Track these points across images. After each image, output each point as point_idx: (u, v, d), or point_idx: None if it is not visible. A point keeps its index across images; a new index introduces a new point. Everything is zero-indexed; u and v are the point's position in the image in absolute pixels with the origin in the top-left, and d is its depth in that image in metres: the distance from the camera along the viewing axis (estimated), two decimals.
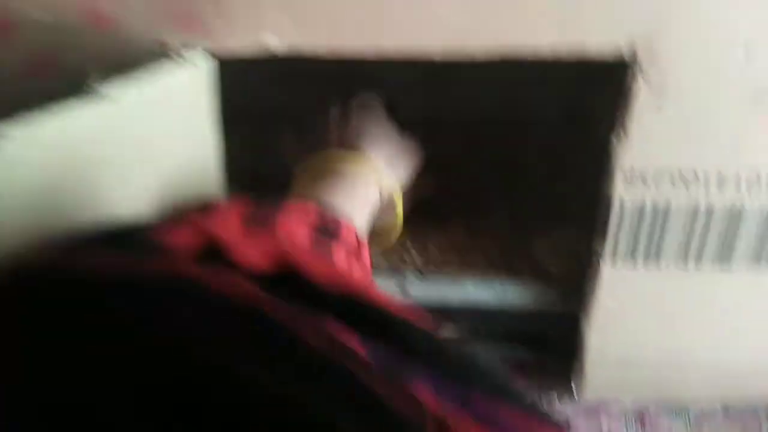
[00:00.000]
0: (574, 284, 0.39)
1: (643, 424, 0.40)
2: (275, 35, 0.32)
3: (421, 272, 0.41)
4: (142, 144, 0.29)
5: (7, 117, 0.22)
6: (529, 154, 0.60)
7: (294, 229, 0.30)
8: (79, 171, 0.25)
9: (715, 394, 0.40)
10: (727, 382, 0.39)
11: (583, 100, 0.61)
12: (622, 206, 0.34)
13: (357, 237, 0.33)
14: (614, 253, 0.35)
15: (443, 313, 0.41)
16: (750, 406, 0.41)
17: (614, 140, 0.33)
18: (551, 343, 0.41)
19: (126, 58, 0.33)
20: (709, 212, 0.34)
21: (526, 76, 0.58)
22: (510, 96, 0.63)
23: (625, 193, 0.34)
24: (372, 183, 0.38)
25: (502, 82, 0.61)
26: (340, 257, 0.30)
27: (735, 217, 0.34)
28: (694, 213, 0.34)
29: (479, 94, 0.62)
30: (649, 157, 0.33)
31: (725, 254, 0.35)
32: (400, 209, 0.40)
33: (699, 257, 0.35)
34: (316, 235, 0.30)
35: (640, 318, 0.37)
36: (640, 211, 0.34)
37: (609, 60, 0.31)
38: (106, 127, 0.26)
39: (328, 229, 0.31)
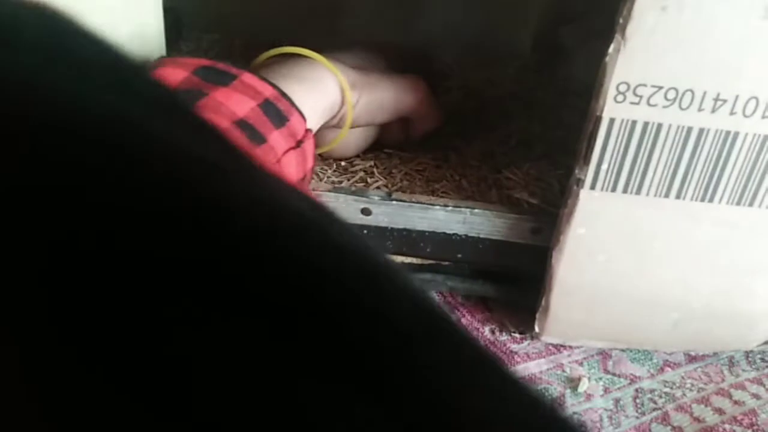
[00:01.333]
0: (547, 216, 0.36)
1: (605, 367, 0.38)
2: None
3: (389, 194, 0.37)
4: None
5: None
6: (499, 84, 0.58)
7: (238, 99, 0.28)
8: None
9: (680, 338, 0.38)
10: (693, 326, 0.37)
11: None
12: (610, 125, 0.31)
13: (305, 128, 0.32)
14: (594, 178, 0.32)
15: (407, 238, 0.38)
16: (714, 353, 0.40)
17: (610, 47, 0.29)
18: (519, 277, 0.38)
19: None
20: (700, 137, 0.31)
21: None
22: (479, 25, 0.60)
23: (614, 110, 0.30)
24: (332, 83, 0.36)
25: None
26: (275, 138, 0.29)
27: (727, 144, 0.31)
28: (686, 136, 0.31)
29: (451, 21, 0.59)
30: (646, 70, 0.29)
31: (711, 185, 0.32)
32: (350, 112, 0.37)
33: (683, 187, 0.32)
34: (257, 112, 0.28)
35: (613, 250, 0.35)
36: (630, 131, 0.31)
37: None
38: None
39: (277, 111, 0.29)
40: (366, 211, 0.38)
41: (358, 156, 0.44)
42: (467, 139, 0.48)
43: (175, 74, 0.28)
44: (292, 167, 0.31)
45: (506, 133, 0.49)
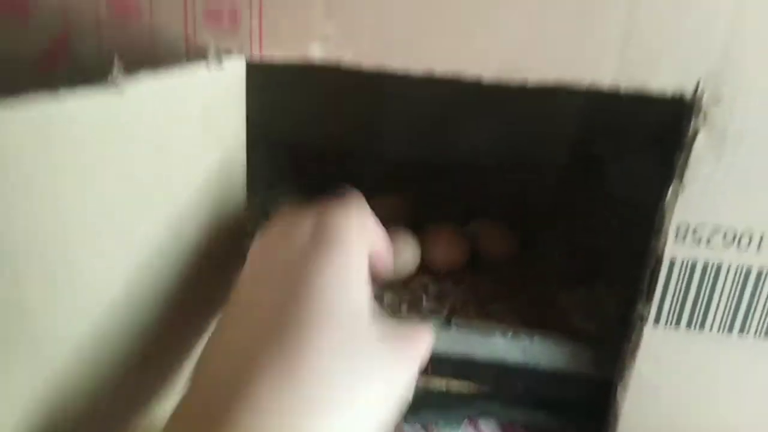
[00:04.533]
0: (608, 346, 0.36)
1: None
2: (320, 45, 0.30)
3: (448, 320, 0.38)
4: (155, 143, 0.26)
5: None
6: (541, 199, 0.59)
7: None
8: (81, 161, 0.22)
9: None
10: None
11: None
12: (671, 265, 0.32)
13: None
14: (658, 314, 0.33)
15: (466, 364, 0.38)
16: None
17: (668, 192, 0.31)
18: (580, 409, 0.38)
19: (149, 54, 0.31)
20: (760, 276, 0.32)
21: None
22: (518, 137, 0.63)
23: (675, 251, 0.31)
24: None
25: (510, 123, 0.61)
26: None
27: None
28: (746, 275, 0.32)
29: (489, 137, 0.61)
30: (704, 212, 0.31)
31: None
32: None
33: (746, 323, 0.33)
34: None
35: (679, 386, 0.35)
36: (690, 271, 0.32)
37: (668, 98, 0.29)
38: (117, 121, 0.23)
39: None
40: None
41: (414, 277, 0.46)
42: (514, 253, 0.49)
43: None
44: None
45: (552, 246, 0.50)
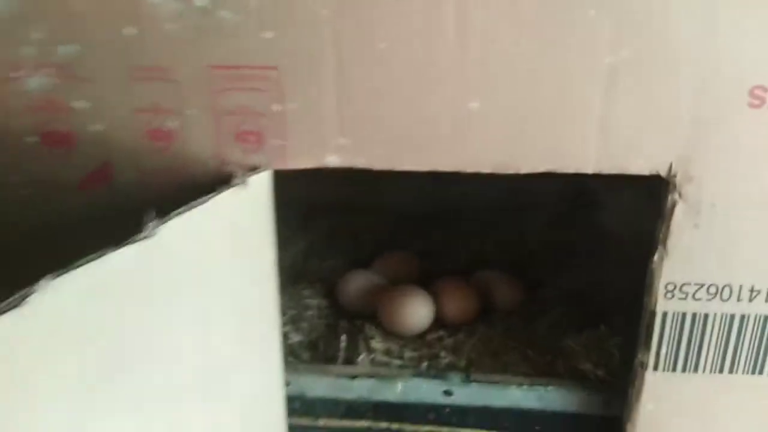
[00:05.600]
0: (615, 388, 0.40)
1: None
2: (336, 156, 0.34)
3: (467, 376, 0.42)
4: (192, 276, 0.29)
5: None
6: (541, 240, 0.63)
7: None
8: (124, 312, 0.25)
9: None
10: None
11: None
12: (663, 317, 0.36)
13: None
14: (656, 360, 0.37)
15: (487, 414, 0.42)
16: None
17: (655, 257, 0.35)
18: None
19: (182, 174, 0.35)
20: (743, 321, 0.36)
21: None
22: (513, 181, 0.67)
23: (666, 305, 0.35)
24: None
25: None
26: None
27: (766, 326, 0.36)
28: (730, 322, 0.36)
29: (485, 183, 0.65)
30: (688, 271, 0.35)
31: (759, 360, 0.36)
32: None
33: (734, 363, 0.37)
34: None
35: (680, 422, 0.38)
36: (681, 321, 0.36)
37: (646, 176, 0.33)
38: (153, 266, 0.26)
39: None
40: (448, 393, 0.42)
41: (428, 331, 0.49)
42: (518, 299, 0.52)
43: None
44: None
45: (554, 290, 0.54)
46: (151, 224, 0.26)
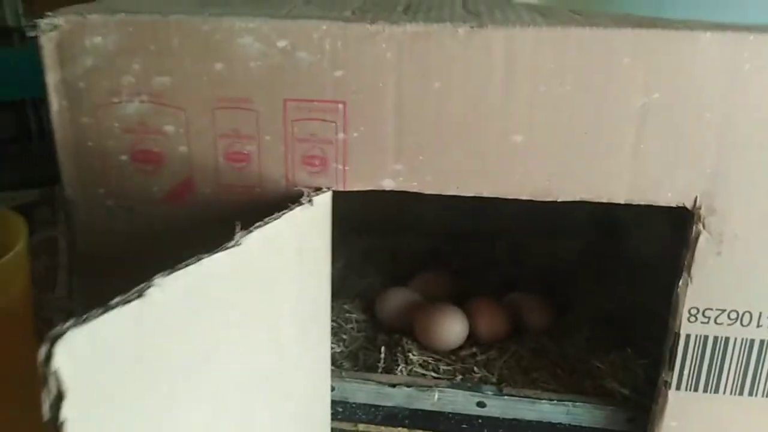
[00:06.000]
0: (639, 406, 0.43)
1: None
2: (391, 180, 0.38)
3: (500, 390, 0.45)
4: (266, 281, 0.33)
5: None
6: (570, 266, 0.66)
7: None
8: (213, 309, 0.29)
9: None
10: None
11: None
12: (687, 339, 0.38)
13: None
14: (679, 380, 0.39)
15: (517, 427, 0.45)
16: None
17: (680, 282, 0.38)
18: None
19: (256, 192, 0.39)
20: (762, 346, 0.38)
21: None
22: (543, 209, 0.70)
23: (689, 328, 0.38)
24: None
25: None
26: None
27: None
28: (750, 346, 0.38)
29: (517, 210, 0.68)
30: (711, 297, 0.38)
31: None
32: None
33: (754, 386, 0.39)
34: None
35: None
36: (703, 344, 0.39)
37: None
38: (238, 271, 0.30)
39: None
40: (481, 404, 0.45)
41: (462, 347, 0.52)
42: (548, 320, 0.55)
43: None
44: None
45: (583, 314, 0.57)
46: (238, 234, 0.30)
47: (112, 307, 0.23)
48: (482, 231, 0.71)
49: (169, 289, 0.26)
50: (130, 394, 0.24)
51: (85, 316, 0.22)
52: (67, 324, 0.21)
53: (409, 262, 0.68)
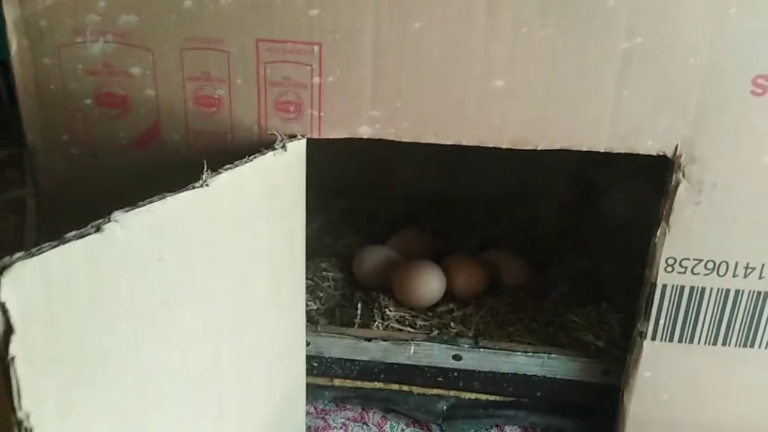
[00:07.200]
0: (614, 358, 0.43)
1: None
2: (367, 127, 0.37)
3: (476, 342, 0.45)
4: (235, 226, 0.32)
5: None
6: (548, 226, 0.66)
7: None
8: (179, 250, 0.28)
9: None
10: None
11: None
12: (663, 289, 0.38)
13: None
14: (654, 330, 0.39)
15: (493, 379, 0.44)
16: None
17: (658, 232, 0.37)
18: (592, 412, 0.45)
19: (227, 138, 0.38)
20: (737, 296, 0.38)
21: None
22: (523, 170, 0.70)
23: (665, 278, 0.38)
24: None
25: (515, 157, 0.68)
26: None
27: (759, 301, 0.38)
28: (725, 296, 0.38)
29: (496, 172, 0.68)
30: (688, 247, 0.37)
31: (751, 334, 0.39)
32: None
33: (728, 336, 0.39)
34: None
35: (675, 389, 0.41)
36: (679, 294, 0.38)
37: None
38: (205, 213, 0.29)
39: None
40: (457, 357, 0.45)
41: (439, 304, 0.52)
42: (528, 278, 0.55)
43: None
44: None
45: (560, 271, 0.57)
46: (206, 174, 0.29)
47: (66, 241, 0.22)
48: (460, 194, 0.71)
49: (130, 227, 0.25)
50: (88, 333, 0.23)
51: (36, 249, 0.21)
52: (16, 255, 0.20)
53: (387, 224, 0.67)
